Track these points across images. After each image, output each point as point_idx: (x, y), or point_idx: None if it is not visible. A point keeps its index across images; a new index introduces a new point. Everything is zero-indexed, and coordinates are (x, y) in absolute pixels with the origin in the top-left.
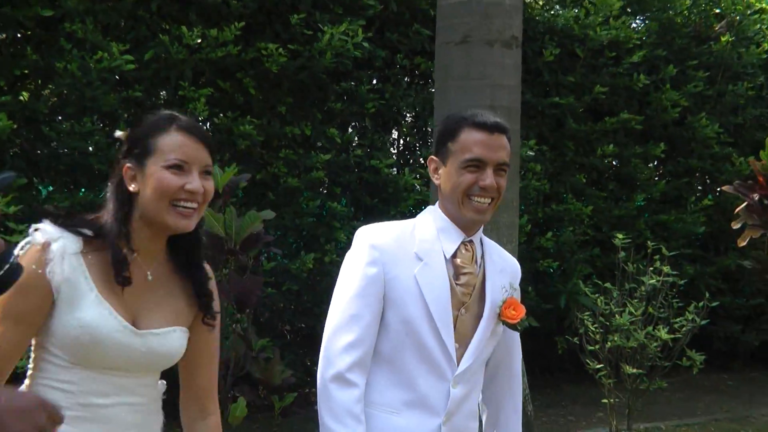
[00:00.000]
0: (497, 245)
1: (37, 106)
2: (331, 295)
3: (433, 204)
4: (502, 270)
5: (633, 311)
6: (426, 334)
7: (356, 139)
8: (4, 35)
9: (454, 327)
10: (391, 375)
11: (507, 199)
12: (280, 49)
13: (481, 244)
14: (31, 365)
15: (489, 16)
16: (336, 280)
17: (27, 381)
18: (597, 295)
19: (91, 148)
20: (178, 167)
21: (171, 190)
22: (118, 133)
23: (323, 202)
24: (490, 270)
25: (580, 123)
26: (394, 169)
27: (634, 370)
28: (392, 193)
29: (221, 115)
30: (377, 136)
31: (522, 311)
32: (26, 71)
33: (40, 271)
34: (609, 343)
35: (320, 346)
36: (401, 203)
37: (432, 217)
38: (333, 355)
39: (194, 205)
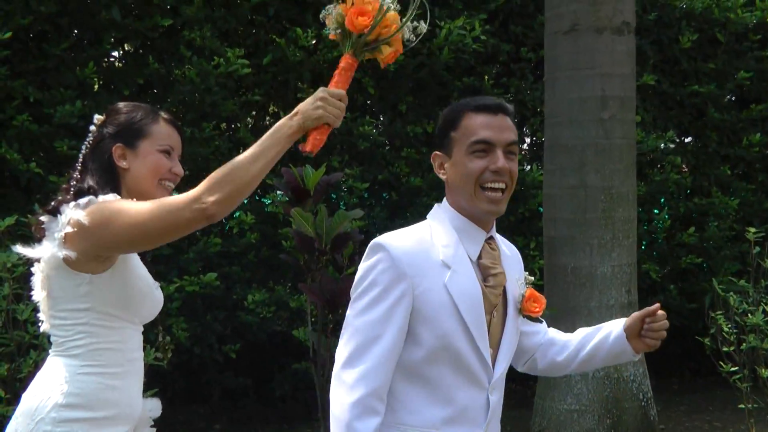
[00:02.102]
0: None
1: None
2: None
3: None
4: (511, 260)
5: None
6: (463, 345)
7: None
8: (129, 47)
9: (488, 332)
10: (427, 392)
11: (622, 192)
12: None
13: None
14: (76, 336)
15: (597, 2)
16: None
17: (76, 351)
18: (730, 293)
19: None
20: (167, 152)
21: (164, 170)
22: (98, 117)
23: None
24: (505, 264)
25: (723, 112)
26: (526, 165)
27: None
28: (521, 191)
29: None
30: None
31: (543, 302)
32: (149, 79)
33: None
34: (744, 345)
35: None
36: (530, 201)
37: (446, 218)
38: (353, 380)
39: (174, 185)
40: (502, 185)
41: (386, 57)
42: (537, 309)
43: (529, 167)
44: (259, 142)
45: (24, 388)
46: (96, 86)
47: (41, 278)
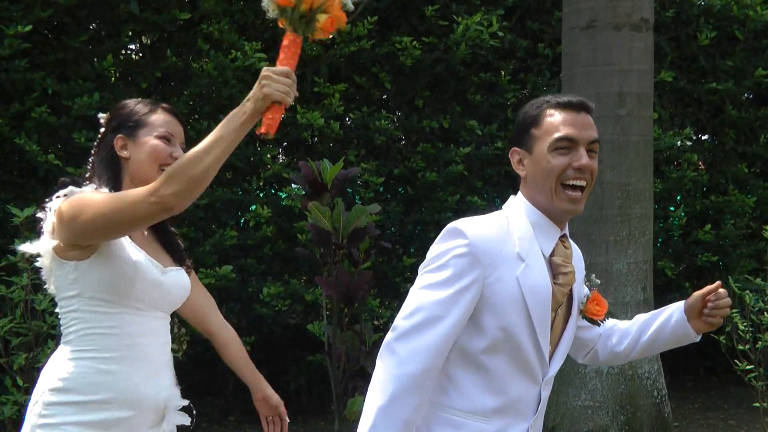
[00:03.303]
0: None
1: (177, 106)
2: None
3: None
4: (577, 260)
5: None
6: (525, 339)
7: (497, 131)
8: (147, 40)
9: (550, 329)
10: (482, 380)
11: (639, 189)
12: (415, 43)
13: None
14: (70, 323)
15: None
16: None
17: (70, 336)
18: (746, 291)
19: None
20: (167, 139)
21: (163, 155)
22: (102, 115)
23: (463, 196)
24: (580, 267)
25: (740, 109)
26: None
27: None
28: None
29: (357, 110)
30: None
31: (605, 306)
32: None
33: None
34: (759, 343)
35: None
36: None
37: (523, 211)
38: (407, 354)
39: None
40: (582, 183)
41: (324, 26)
42: (599, 312)
43: None
44: (214, 131)
45: None
46: (114, 79)
47: (45, 271)
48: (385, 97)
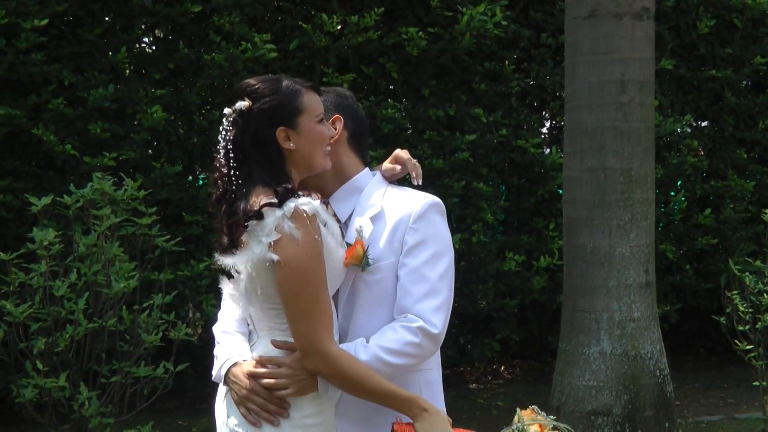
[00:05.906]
0: (391, 190)
1: (190, 97)
2: (480, 274)
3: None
4: (377, 217)
5: None
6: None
7: (501, 118)
8: (159, 32)
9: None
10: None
11: (641, 175)
12: (421, 33)
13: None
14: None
15: None
16: (482, 260)
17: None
18: (746, 273)
19: None
20: (322, 120)
21: (327, 139)
22: (242, 103)
23: (468, 183)
24: (354, 221)
25: (739, 96)
26: (545, 148)
27: None
28: (540, 173)
29: (365, 100)
30: (523, 116)
31: (350, 254)
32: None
33: (319, 238)
34: (759, 324)
35: (471, 325)
36: (549, 183)
37: None
38: None
39: (330, 147)
40: None
41: None
42: (345, 259)
43: (548, 150)
44: (385, 391)
45: (60, 361)
46: (128, 71)
47: (247, 279)
48: (392, 86)
